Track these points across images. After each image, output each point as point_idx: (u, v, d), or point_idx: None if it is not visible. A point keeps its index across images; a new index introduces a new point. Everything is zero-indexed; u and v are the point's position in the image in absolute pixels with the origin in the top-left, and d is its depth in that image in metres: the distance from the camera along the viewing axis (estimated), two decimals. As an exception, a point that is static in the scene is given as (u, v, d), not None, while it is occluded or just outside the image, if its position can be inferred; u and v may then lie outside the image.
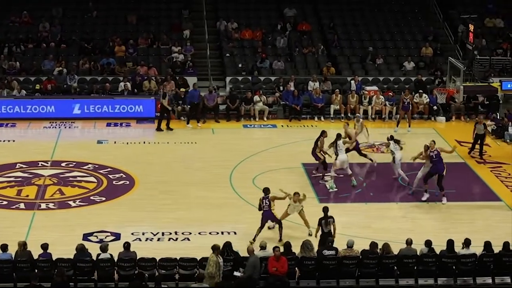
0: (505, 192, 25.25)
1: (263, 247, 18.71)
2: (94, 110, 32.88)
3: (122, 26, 38.55)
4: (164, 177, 26.12)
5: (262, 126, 32.87)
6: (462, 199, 24.61)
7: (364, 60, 37.43)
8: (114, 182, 25.55)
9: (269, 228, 21.39)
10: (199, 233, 21.61)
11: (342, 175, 25.48)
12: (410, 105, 32.10)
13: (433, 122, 33.58)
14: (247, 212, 23.10)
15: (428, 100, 33.89)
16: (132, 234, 21.37)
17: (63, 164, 27.14)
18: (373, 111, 33.68)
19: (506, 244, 18.94)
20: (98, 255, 18.25)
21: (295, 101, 33.40)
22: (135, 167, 26.88)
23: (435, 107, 33.73)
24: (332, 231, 20.05)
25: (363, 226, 22.42)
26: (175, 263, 18.35)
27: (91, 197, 24.27)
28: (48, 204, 23.75)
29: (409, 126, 31.87)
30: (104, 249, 18.39)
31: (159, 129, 31.38)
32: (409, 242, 18.83)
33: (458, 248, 18.87)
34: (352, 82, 35.00)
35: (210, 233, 21.63)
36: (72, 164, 27.13)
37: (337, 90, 34.21)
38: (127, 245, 18.50)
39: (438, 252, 18.76)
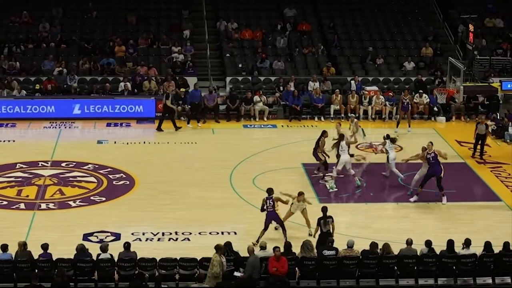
0: (505, 192, 25.24)
1: (263, 247, 18.71)
2: (94, 110, 32.88)
3: (122, 26, 38.56)
4: (164, 177, 26.13)
5: (262, 126, 32.87)
6: (462, 199, 24.60)
7: (364, 60, 37.43)
8: (114, 182, 25.55)
9: (275, 228, 21.31)
10: (199, 233, 21.60)
11: (342, 175, 25.46)
12: (410, 105, 32.10)
13: (433, 122, 33.58)
14: (247, 212, 23.10)
15: (428, 100, 33.90)
16: (132, 234, 21.37)
17: (63, 164, 27.14)
18: (373, 111, 33.68)
19: (506, 244, 18.94)
20: (98, 255, 18.25)
21: (295, 101, 33.40)
22: (135, 167, 26.88)
23: (435, 108, 33.71)
24: (331, 230, 20.04)
25: (363, 226, 22.42)
26: (175, 263, 18.34)
27: (91, 197, 24.27)
28: (48, 204, 23.74)
29: (409, 126, 31.87)
30: (104, 249, 18.39)
31: (159, 129, 31.37)
32: (409, 242, 18.83)
33: (458, 248, 18.86)
34: (352, 82, 35.00)
35: (210, 233, 21.63)
36: (72, 164, 27.13)
37: (337, 90, 34.22)
38: (127, 245, 18.50)
39: (438, 252, 18.75)
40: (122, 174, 26.23)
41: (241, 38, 38.21)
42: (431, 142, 24.14)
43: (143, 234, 21.47)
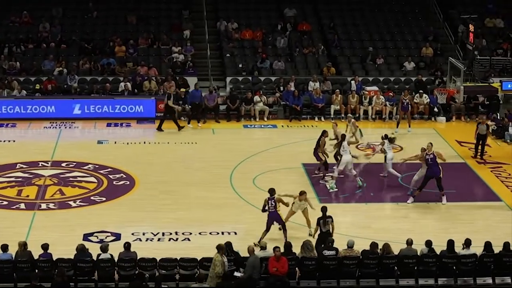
0: (505, 192, 25.24)
1: (263, 247, 18.72)
2: (94, 110, 32.89)
3: (122, 26, 38.55)
4: (164, 177, 26.13)
5: (262, 126, 32.87)
6: (462, 199, 24.60)
7: (365, 60, 37.43)
8: (114, 182, 25.55)
9: (279, 229, 21.24)
10: (200, 233, 21.60)
11: (342, 175, 25.46)
12: (409, 105, 32.10)
13: (434, 122, 33.58)
14: (248, 212, 23.11)
15: (428, 100, 33.90)
16: (133, 234, 21.37)
17: (63, 164, 27.14)
18: (374, 111, 33.69)
19: (506, 244, 18.94)
20: (99, 255, 18.25)
21: (295, 101, 33.40)
22: (135, 167, 26.88)
23: (435, 109, 33.70)
24: (331, 230, 20.04)
25: (363, 226, 22.43)
26: (176, 263, 18.35)
27: (92, 197, 24.27)
28: (48, 204, 23.74)
29: (409, 126, 31.86)
30: (104, 249, 18.39)
31: (159, 129, 31.36)
32: (409, 242, 18.83)
33: (458, 248, 18.86)
34: (353, 82, 34.99)
35: (210, 233, 21.63)
36: (72, 164, 27.14)
37: (338, 90, 34.23)
38: (127, 245, 18.50)
39: (438, 252, 18.76)
40: (122, 174, 26.23)
41: (241, 38, 38.21)
42: (431, 143, 24.10)
43: (143, 234, 21.47)
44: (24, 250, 18.28)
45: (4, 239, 18.78)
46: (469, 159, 28.37)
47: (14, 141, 30.20)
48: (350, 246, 18.76)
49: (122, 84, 34.05)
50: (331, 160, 25.87)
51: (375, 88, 35.02)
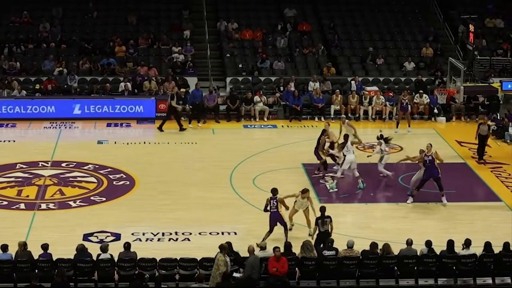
0: (505, 193, 25.24)
1: (263, 248, 18.70)
2: (94, 110, 32.89)
3: (122, 26, 38.56)
4: (164, 177, 26.13)
5: (262, 126, 32.87)
6: (462, 200, 24.59)
7: (365, 60, 37.44)
8: (114, 183, 25.55)
9: (290, 229, 21.25)
10: (199, 234, 21.60)
11: (343, 176, 25.42)
12: (409, 105, 32.09)
13: (434, 122, 33.58)
14: (247, 212, 23.11)
15: (428, 100, 33.91)
16: (132, 234, 21.37)
17: (63, 165, 27.14)
18: (374, 111, 33.69)
19: (506, 245, 18.93)
20: (99, 255, 18.25)
21: (295, 102, 33.40)
22: (135, 167, 26.88)
23: (435, 110, 33.69)
24: (330, 230, 20.02)
25: (363, 226, 22.43)
26: (175, 263, 18.35)
27: (91, 198, 24.27)
28: (48, 205, 23.74)
29: (409, 126, 31.85)
30: (104, 249, 18.39)
31: (160, 129, 31.34)
32: (409, 243, 18.83)
33: (458, 248, 18.86)
34: (353, 82, 34.99)
35: (210, 233, 21.63)
36: (72, 164, 27.14)
37: (338, 90, 34.24)
38: (127, 246, 18.50)
39: (438, 252, 18.75)
40: (122, 174, 26.23)
41: (242, 38, 38.21)
42: (430, 144, 24.03)
43: (143, 234, 21.46)
44: (24, 250, 18.27)
45: (4, 239, 18.77)
46: (469, 159, 28.36)
47: (14, 141, 30.20)
48: (350, 246, 18.76)
49: (122, 84, 34.05)
50: (329, 160, 25.86)
51: (375, 88, 35.02)
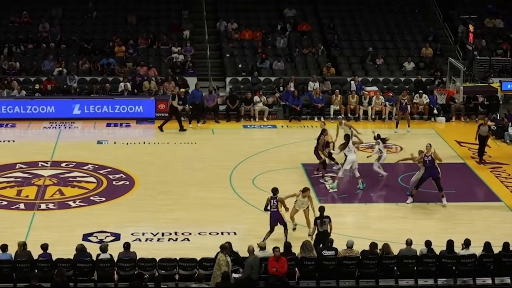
0: (505, 193, 25.24)
1: (262, 248, 18.69)
2: (94, 110, 32.89)
3: (122, 26, 38.55)
4: (164, 177, 26.13)
5: (262, 126, 32.87)
6: (462, 200, 24.59)
7: (364, 60, 37.44)
8: (114, 183, 25.55)
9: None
10: (199, 234, 21.60)
11: (343, 176, 25.45)
12: (408, 105, 32.09)
13: (433, 122, 33.59)
14: (247, 212, 23.11)
15: (428, 100, 33.92)
16: (132, 234, 21.37)
17: (63, 165, 27.14)
18: (373, 111, 33.70)
19: (505, 245, 18.93)
20: (98, 255, 18.25)
21: (295, 102, 33.40)
22: (135, 167, 26.89)
23: (435, 111, 33.68)
24: (328, 230, 20.02)
25: (362, 226, 22.44)
26: (175, 263, 18.34)
27: (91, 198, 24.27)
28: (48, 205, 23.74)
29: (408, 127, 31.84)
30: (104, 249, 18.38)
31: (161, 128, 31.33)
32: (409, 243, 18.82)
33: (458, 248, 18.86)
34: (352, 82, 35.00)
35: (210, 233, 21.63)
36: (72, 164, 27.14)
37: (337, 90, 34.26)
38: (127, 246, 18.50)
39: (438, 252, 18.75)
40: (122, 174, 26.23)
41: (241, 38, 38.21)
42: (430, 144, 24.00)
43: (143, 234, 21.46)
44: (23, 250, 18.27)
45: (3, 239, 18.77)
46: (469, 160, 28.36)
47: (13, 141, 30.20)
48: (350, 246, 18.75)
49: (121, 84, 34.05)
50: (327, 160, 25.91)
51: (374, 88, 35.02)
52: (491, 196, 25.10)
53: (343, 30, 39.22)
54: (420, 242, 19.07)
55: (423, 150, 23.86)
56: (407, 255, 18.60)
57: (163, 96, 33.10)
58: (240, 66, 36.39)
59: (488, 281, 18.79)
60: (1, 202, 23.78)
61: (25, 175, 26.10)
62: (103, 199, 24.16)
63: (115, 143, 30.09)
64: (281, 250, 18.13)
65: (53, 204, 23.78)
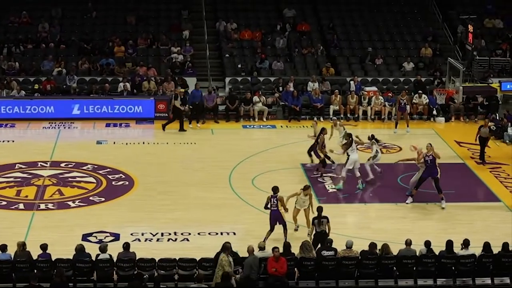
0: (504, 193, 25.23)
1: (261, 248, 18.67)
2: (93, 110, 32.89)
3: (122, 26, 38.55)
4: (163, 177, 26.12)
5: (261, 126, 32.88)
6: (461, 200, 24.59)
7: (364, 60, 37.45)
8: (113, 183, 25.55)
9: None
10: (198, 234, 21.60)
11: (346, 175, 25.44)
12: (407, 105, 32.09)
13: (433, 122, 33.60)
14: (247, 212, 23.11)
15: (427, 100, 33.93)
16: (131, 234, 21.36)
17: (62, 165, 27.14)
18: (373, 111, 33.71)
19: (505, 245, 18.93)
20: (98, 255, 18.24)
21: (294, 102, 33.41)
22: (134, 167, 26.88)
23: (434, 111, 33.68)
24: (327, 231, 20.01)
25: (362, 226, 22.44)
26: (174, 263, 18.33)
27: (91, 198, 24.27)
28: (47, 205, 23.74)
29: (408, 127, 31.84)
30: (103, 249, 18.38)
31: (163, 128, 31.31)
32: (408, 243, 18.82)
33: (457, 248, 18.85)
34: (352, 82, 35.01)
35: (209, 233, 21.62)
36: (71, 164, 27.13)
37: (337, 90, 34.28)
38: (126, 246, 18.49)
39: (437, 252, 18.75)
40: (121, 175, 26.23)
41: (241, 38, 38.22)
42: (430, 144, 23.99)
43: (142, 234, 21.46)
44: (23, 250, 18.27)
45: (3, 239, 18.76)
46: (468, 160, 28.36)
47: (13, 141, 30.20)
48: (349, 246, 18.75)
49: (121, 84, 34.05)
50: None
51: (374, 88, 35.03)
52: (490, 196, 25.10)
53: (342, 30, 39.23)
54: (419, 242, 19.07)
55: (423, 150, 23.88)
56: (407, 255, 18.60)
57: (162, 96, 33.11)
58: (239, 66, 36.40)
59: (488, 281, 18.78)
60: (1, 202, 23.76)
61: (25, 175, 26.10)
62: (103, 199, 24.16)
63: (114, 143, 30.08)
64: (281, 250, 18.13)
65: (52, 204, 23.78)
